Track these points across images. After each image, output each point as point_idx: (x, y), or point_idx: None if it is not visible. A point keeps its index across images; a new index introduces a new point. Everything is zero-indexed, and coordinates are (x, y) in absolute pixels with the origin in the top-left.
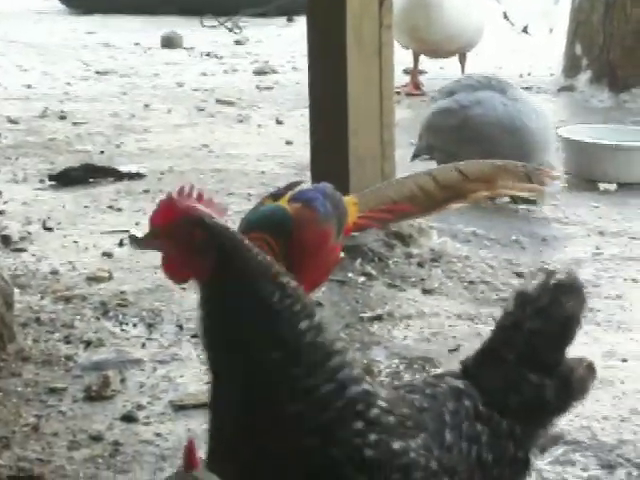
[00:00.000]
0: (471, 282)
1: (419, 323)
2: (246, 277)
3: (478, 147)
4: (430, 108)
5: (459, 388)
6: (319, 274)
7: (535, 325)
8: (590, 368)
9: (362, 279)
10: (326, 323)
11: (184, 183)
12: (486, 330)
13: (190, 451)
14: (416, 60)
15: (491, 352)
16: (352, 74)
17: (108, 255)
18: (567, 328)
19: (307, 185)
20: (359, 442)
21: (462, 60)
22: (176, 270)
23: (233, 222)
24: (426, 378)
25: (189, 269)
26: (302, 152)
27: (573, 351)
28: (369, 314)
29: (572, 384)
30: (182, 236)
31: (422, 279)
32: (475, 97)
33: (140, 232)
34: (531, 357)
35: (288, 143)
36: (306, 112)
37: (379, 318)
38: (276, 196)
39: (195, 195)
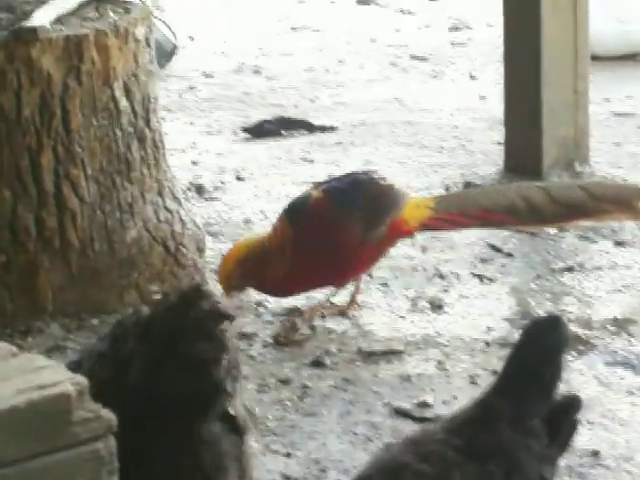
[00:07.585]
0: None
1: (611, 275)
2: None
3: None
4: None
5: None
6: (338, 269)
7: None
8: None
9: (554, 231)
10: None
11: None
12: None
13: None
14: None
15: None
16: (546, 26)
17: None
18: None
19: (357, 174)
20: None
21: None
22: None
23: (426, 174)
24: None
25: None
26: (495, 106)
27: None
28: (560, 265)
29: None
30: None
31: (614, 231)
32: None
33: None
34: None
35: (482, 98)
36: (500, 68)
37: (570, 269)
38: (321, 184)
39: None
